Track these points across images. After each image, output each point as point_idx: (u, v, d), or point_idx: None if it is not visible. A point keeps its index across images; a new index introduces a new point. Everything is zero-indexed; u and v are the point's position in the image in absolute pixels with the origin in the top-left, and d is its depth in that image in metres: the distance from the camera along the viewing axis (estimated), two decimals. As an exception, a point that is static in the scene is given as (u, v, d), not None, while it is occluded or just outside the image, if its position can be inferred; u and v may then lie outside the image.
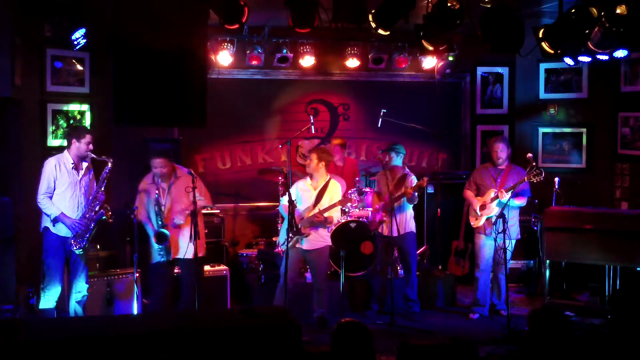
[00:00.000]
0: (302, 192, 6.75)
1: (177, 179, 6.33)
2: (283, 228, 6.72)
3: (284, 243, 6.58)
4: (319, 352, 4.26)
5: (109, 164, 6.12)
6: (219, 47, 7.87)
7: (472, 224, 7.16)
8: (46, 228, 6.10)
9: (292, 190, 6.64)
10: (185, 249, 6.24)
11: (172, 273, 6.56)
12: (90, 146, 6.14)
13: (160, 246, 6.19)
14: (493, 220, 6.78)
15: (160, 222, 6.22)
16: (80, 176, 6.17)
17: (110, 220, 6.14)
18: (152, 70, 5.22)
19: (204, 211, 7.71)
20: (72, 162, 6.12)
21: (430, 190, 8.24)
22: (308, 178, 6.79)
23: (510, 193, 6.73)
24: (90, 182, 6.27)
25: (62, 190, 6.07)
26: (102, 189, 6.14)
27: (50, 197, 6.03)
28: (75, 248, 6.07)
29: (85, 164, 6.21)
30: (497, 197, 6.85)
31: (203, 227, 6.53)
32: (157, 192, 6.20)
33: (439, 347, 3.73)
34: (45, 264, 6.09)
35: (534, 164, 6.76)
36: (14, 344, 4.17)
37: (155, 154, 6.27)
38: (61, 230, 6.08)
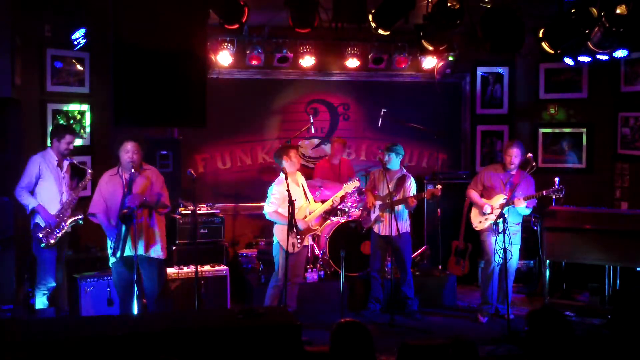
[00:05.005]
0: (292, 191, 6.44)
1: (143, 171, 6.12)
2: (279, 231, 6.55)
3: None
4: (319, 352, 4.24)
5: (88, 174, 6.38)
6: (219, 47, 7.87)
7: (474, 226, 7.04)
8: (37, 224, 6.23)
9: (280, 191, 6.48)
10: (147, 245, 6.00)
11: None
12: (71, 146, 6.41)
13: (113, 240, 5.88)
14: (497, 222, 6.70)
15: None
16: (63, 173, 6.41)
17: (81, 223, 6.41)
18: (152, 70, 5.21)
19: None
20: (56, 159, 6.36)
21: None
22: (283, 176, 6.47)
23: (526, 202, 6.68)
24: (70, 179, 6.52)
25: (48, 184, 6.28)
26: (77, 194, 6.40)
27: (29, 191, 6.22)
28: (42, 242, 6.19)
29: (66, 162, 6.44)
30: (507, 203, 6.71)
31: (164, 229, 6.18)
32: (123, 182, 5.92)
33: (439, 347, 3.74)
34: (40, 258, 6.24)
35: (534, 164, 6.75)
36: (13, 344, 4.17)
37: (130, 137, 6.03)
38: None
